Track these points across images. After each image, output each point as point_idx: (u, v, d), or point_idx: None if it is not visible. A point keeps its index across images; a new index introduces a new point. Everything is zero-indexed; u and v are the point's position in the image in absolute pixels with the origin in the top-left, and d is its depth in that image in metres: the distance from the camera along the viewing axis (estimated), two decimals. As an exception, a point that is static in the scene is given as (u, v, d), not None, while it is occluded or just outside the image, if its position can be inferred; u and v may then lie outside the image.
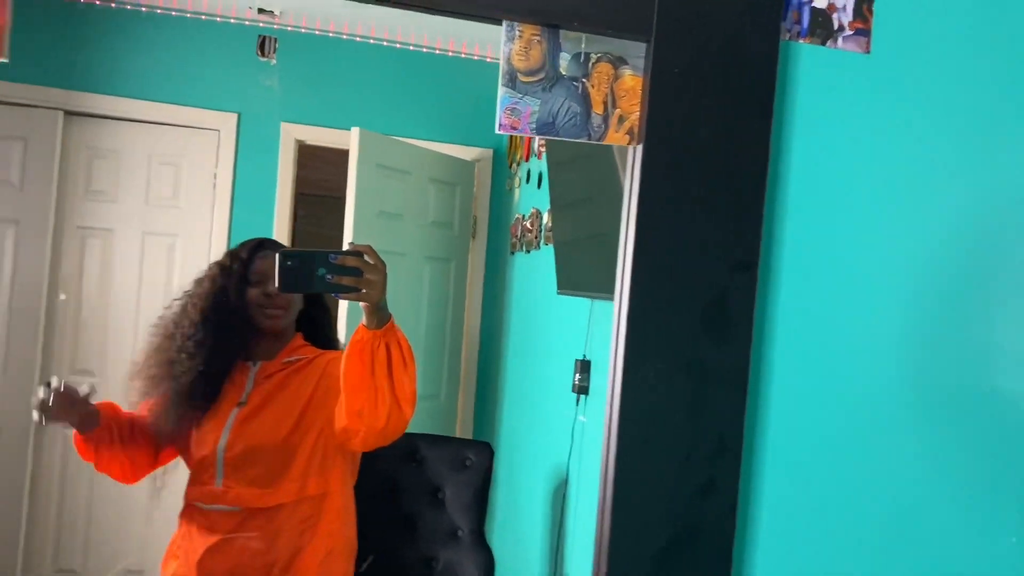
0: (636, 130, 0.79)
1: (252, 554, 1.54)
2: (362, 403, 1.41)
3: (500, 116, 0.78)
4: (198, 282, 1.66)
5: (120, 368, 3.21)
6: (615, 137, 0.79)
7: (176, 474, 1.73)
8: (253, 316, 1.61)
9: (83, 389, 1.50)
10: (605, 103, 0.78)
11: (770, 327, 0.83)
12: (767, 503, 0.83)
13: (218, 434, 1.56)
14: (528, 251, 3.02)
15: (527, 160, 3.16)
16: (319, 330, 1.74)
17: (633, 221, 0.79)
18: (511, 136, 3.42)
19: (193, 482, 1.60)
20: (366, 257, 1.31)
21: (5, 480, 3.11)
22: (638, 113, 0.78)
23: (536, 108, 0.78)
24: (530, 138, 3.12)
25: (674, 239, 0.79)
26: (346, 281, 1.29)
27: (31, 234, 3.15)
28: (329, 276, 1.27)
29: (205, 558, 1.55)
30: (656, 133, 0.77)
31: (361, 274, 1.30)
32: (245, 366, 1.63)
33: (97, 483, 3.21)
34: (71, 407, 1.47)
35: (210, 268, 1.66)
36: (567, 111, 0.77)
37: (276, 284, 1.28)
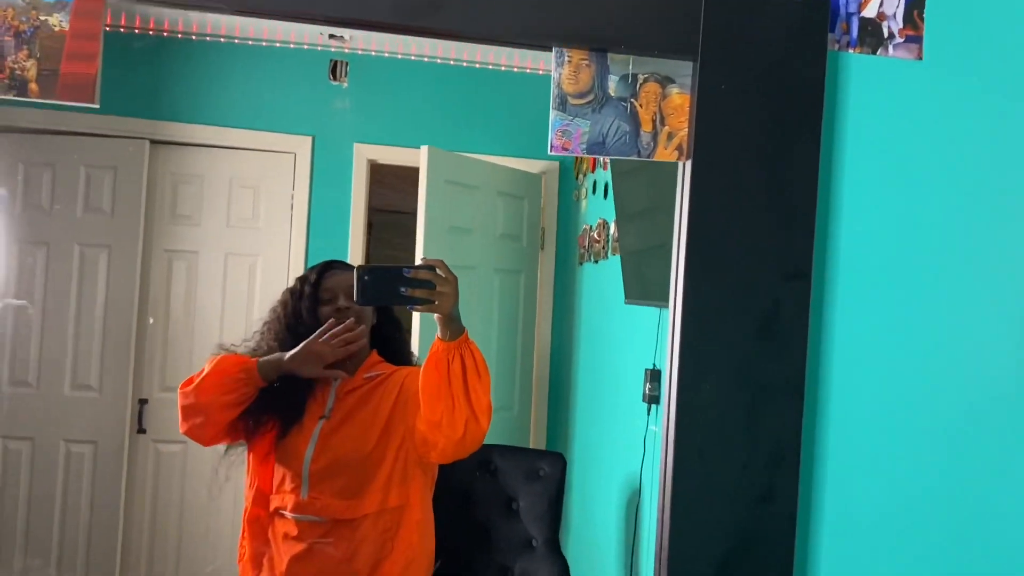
0: (685, 146, 0.81)
1: (336, 563, 1.60)
2: (440, 414, 1.47)
3: (552, 138, 0.81)
4: (273, 310, 1.73)
5: (206, 384, 3.36)
6: (664, 154, 0.81)
7: (241, 468, 1.80)
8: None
9: None
10: (654, 121, 0.80)
11: (828, 335, 0.83)
12: (828, 513, 0.83)
13: (304, 447, 1.63)
14: (596, 261, 3.04)
15: (593, 171, 3.18)
16: (393, 347, 1.80)
17: (684, 235, 0.81)
18: (577, 148, 3.45)
19: (278, 491, 1.67)
20: (438, 271, 1.38)
21: (103, 491, 3.28)
22: (686, 130, 0.80)
23: (587, 129, 0.80)
24: (596, 149, 3.14)
25: (725, 250, 0.80)
26: (419, 294, 1.36)
27: (122, 258, 3.32)
28: (404, 289, 1.36)
29: (291, 566, 1.61)
30: (704, 149, 0.79)
31: (434, 287, 1.36)
32: (327, 382, 1.69)
33: (187, 493, 3.36)
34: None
35: (283, 295, 1.74)
36: (617, 130, 0.79)
37: (355, 298, 1.36)
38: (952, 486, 0.83)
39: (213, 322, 3.41)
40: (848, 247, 0.83)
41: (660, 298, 2.16)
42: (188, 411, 1.73)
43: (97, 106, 0.78)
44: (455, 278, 1.41)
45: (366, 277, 1.35)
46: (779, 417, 0.78)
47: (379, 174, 3.66)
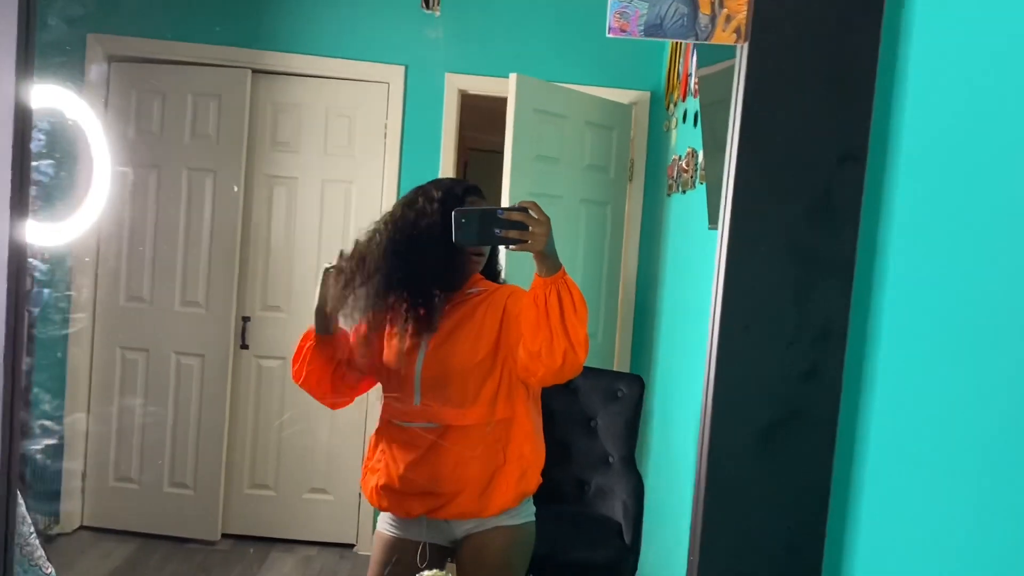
0: (743, 29, 0.82)
1: (450, 468, 1.69)
2: (540, 345, 1.57)
3: (610, 20, 0.83)
4: (409, 205, 1.72)
5: (305, 304, 3.53)
6: (722, 36, 0.82)
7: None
8: (460, 257, 1.72)
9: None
10: (712, 3, 0.81)
11: (886, 217, 0.83)
12: (880, 392, 0.84)
13: (415, 356, 1.71)
14: (684, 191, 3.01)
15: (683, 100, 3.13)
16: (492, 266, 1.85)
17: (739, 118, 0.81)
18: (668, 76, 3.39)
19: (391, 401, 1.77)
20: (531, 212, 1.47)
21: (209, 403, 3.51)
22: (745, 12, 0.81)
23: (644, 11, 0.82)
24: (687, 77, 3.09)
25: (779, 131, 0.81)
26: (512, 234, 1.48)
27: (225, 182, 3.49)
28: (498, 230, 1.48)
29: (407, 472, 1.71)
30: (763, 29, 0.79)
31: (526, 227, 1.45)
32: (434, 297, 1.75)
33: (287, 405, 3.57)
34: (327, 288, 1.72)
35: (423, 200, 1.72)
36: (675, 12, 0.80)
37: (453, 237, 1.49)
38: (1011, 370, 0.82)
39: (311, 245, 3.56)
40: (911, 130, 0.82)
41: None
42: (309, 392, 1.85)
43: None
44: (547, 219, 1.50)
45: (463, 219, 1.47)
46: (827, 296, 0.79)
47: (475, 112, 3.70)
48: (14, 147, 0.78)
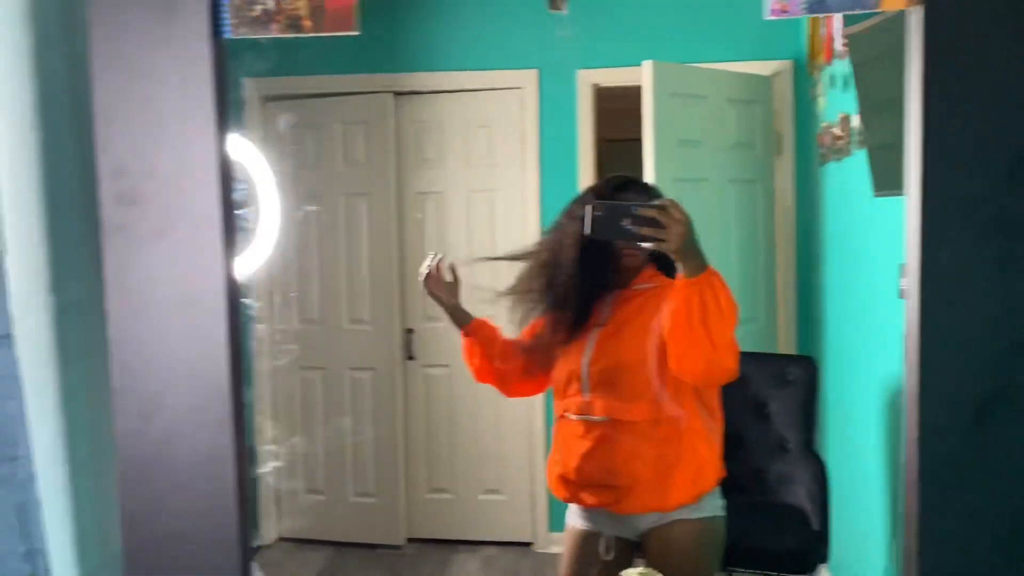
0: (915, -11, 0.77)
1: (622, 462, 1.70)
2: (680, 348, 1.55)
3: (770, 1, 0.81)
4: (569, 216, 1.76)
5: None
6: (893, 2, 0.78)
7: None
8: (615, 252, 1.73)
9: (447, 276, 1.96)
10: (878, -32, 0.77)
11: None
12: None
13: (582, 350, 1.74)
14: (840, 159, 2.88)
15: (829, 63, 2.99)
16: (668, 260, 1.80)
17: (920, 84, 0.77)
18: (810, 41, 3.25)
19: (562, 396, 1.79)
20: (669, 210, 1.45)
21: (382, 412, 3.68)
22: (916, -29, 0.76)
23: (806, -14, 0.79)
24: (830, 40, 2.95)
25: (972, 89, 0.76)
26: (646, 231, 1.45)
27: (379, 203, 3.65)
28: (631, 226, 1.45)
29: (580, 464, 1.73)
30: (938, -13, 0.75)
31: (661, 226, 1.43)
32: (604, 293, 1.77)
33: (454, 411, 3.68)
34: (439, 284, 1.94)
35: (577, 202, 1.76)
36: (839, -16, 0.77)
37: (586, 230, 1.48)
38: None
39: (461, 255, 3.65)
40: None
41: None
42: (488, 384, 1.95)
43: (357, 32, 0.89)
44: (686, 217, 1.46)
45: (599, 213, 1.46)
46: (1037, 263, 0.74)
47: (609, 103, 3.68)
48: (222, 190, 0.85)
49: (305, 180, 3.65)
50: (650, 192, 1.79)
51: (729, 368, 1.56)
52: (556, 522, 3.63)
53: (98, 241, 0.85)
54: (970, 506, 0.80)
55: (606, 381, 1.71)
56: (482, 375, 1.93)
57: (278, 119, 3.67)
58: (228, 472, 0.87)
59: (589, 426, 1.73)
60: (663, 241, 1.45)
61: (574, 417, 1.76)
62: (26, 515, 0.88)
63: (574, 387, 1.76)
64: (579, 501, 1.79)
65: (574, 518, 1.86)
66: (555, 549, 3.60)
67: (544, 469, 3.59)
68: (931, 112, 0.77)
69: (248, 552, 0.88)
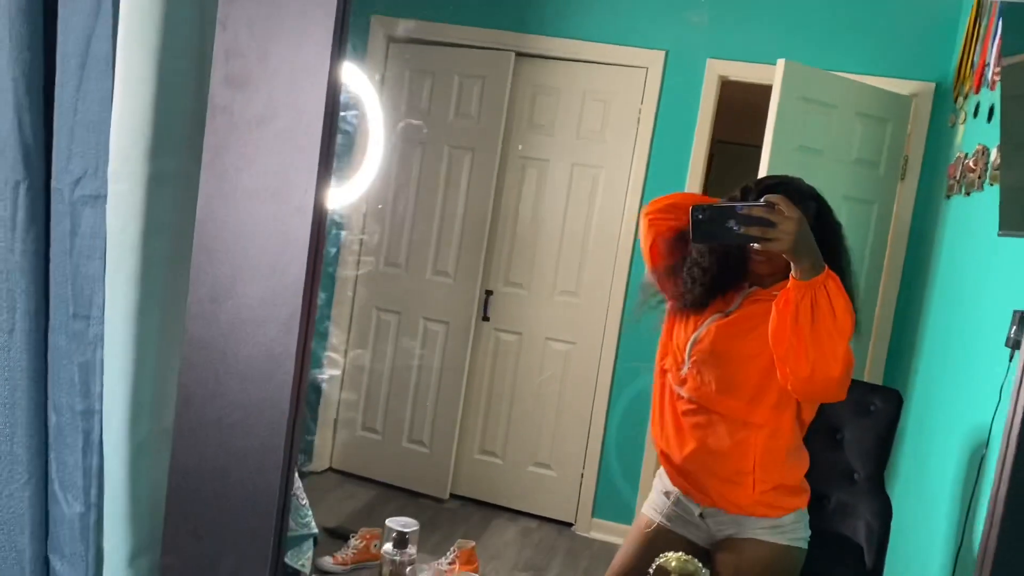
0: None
1: (699, 447, 1.68)
2: (784, 351, 1.46)
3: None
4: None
5: (545, 283, 3.62)
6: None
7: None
8: (746, 251, 1.68)
9: None
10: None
11: None
12: None
13: (696, 328, 1.71)
14: (968, 193, 2.71)
15: (977, 92, 2.81)
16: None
17: None
18: (959, 66, 3.06)
19: (671, 368, 1.77)
20: (779, 206, 1.35)
21: (449, 368, 3.70)
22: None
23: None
24: (983, 67, 2.77)
25: None
26: (753, 231, 1.36)
27: (482, 160, 3.64)
28: (738, 227, 1.36)
29: (669, 434, 1.74)
30: None
31: (770, 224, 1.34)
32: (742, 286, 1.73)
33: (519, 379, 3.67)
34: None
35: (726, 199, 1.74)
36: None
37: (691, 235, 1.41)
38: None
39: (555, 227, 3.62)
40: None
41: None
42: (659, 200, 1.89)
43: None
44: (798, 215, 1.37)
45: (700, 215, 1.38)
46: None
47: (728, 103, 3.56)
48: (329, 90, 0.84)
49: (414, 126, 3.67)
50: (804, 190, 1.70)
51: (836, 378, 1.45)
52: (601, 509, 3.60)
53: (202, 120, 0.85)
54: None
55: (704, 363, 1.67)
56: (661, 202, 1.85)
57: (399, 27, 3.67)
58: (288, 370, 0.86)
59: (684, 401, 1.71)
60: (771, 240, 1.36)
61: (674, 387, 1.74)
62: (89, 375, 0.90)
63: (679, 360, 1.73)
64: (666, 465, 1.77)
65: (649, 508, 1.83)
66: (595, 534, 3.57)
67: (601, 456, 3.57)
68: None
69: (295, 453, 0.88)
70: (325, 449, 3.83)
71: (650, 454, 3.52)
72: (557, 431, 3.65)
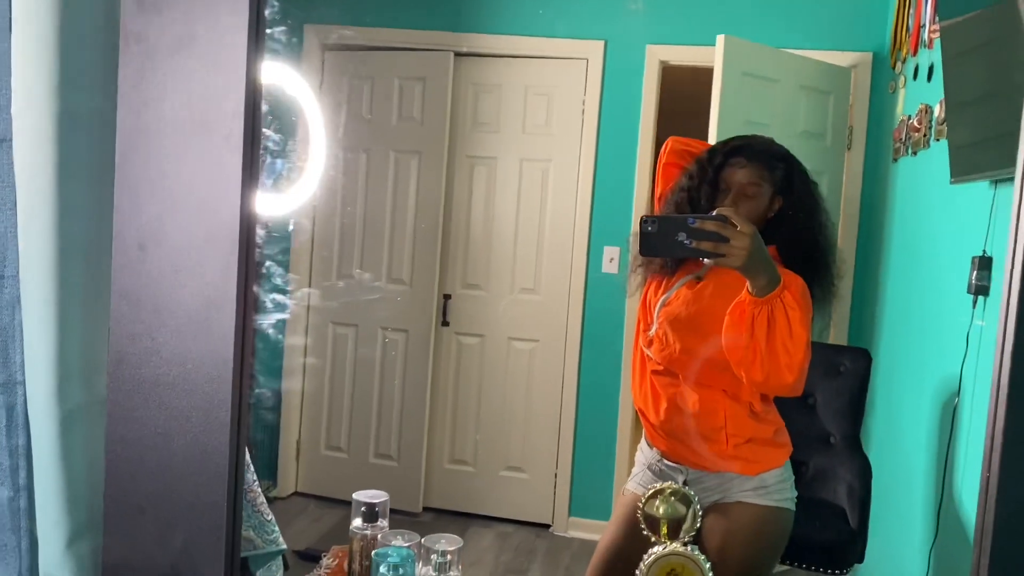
0: None
1: (671, 408, 1.63)
2: (738, 357, 1.43)
3: None
4: (679, 183, 1.70)
5: (503, 282, 3.56)
6: None
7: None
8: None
9: None
10: None
11: None
12: None
13: (666, 291, 1.66)
14: (915, 153, 2.73)
15: (915, 54, 2.84)
16: (796, 250, 1.62)
17: None
18: (894, 33, 3.10)
19: (646, 329, 1.72)
20: (731, 220, 1.30)
21: (412, 375, 3.60)
22: None
23: None
24: (918, 29, 2.80)
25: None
26: (705, 246, 1.30)
27: (430, 163, 3.57)
28: (688, 241, 1.29)
29: (645, 396, 1.69)
30: None
31: (723, 239, 1.29)
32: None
33: (484, 380, 3.59)
34: None
35: (690, 166, 1.67)
36: None
37: (639, 248, 1.33)
38: None
39: (509, 224, 3.56)
40: None
41: (997, 165, 1.88)
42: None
43: None
44: (751, 230, 1.31)
45: (650, 227, 1.30)
46: None
47: (674, 85, 3.56)
48: (244, 131, 0.77)
49: (357, 132, 3.60)
50: (765, 159, 1.63)
51: (790, 383, 1.41)
52: (577, 507, 3.52)
53: (115, 48, 0.77)
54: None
55: (673, 327, 1.62)
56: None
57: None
58: (229, 316, 0.78)
59: (653, 364, 1.66)
60: (724, 256, 1.30)
61: (644, 349, 1.69)
62: (7, 342, 0.81)
63: (648, 322, 1.69)
64: (645, 428, 1.73)
65: (633, 483, 1.78)
66: (574, 533, 3.49)
67: (573, 453, 3.50)
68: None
69: (244, 409, 0.80)
70: (289, 473, 3.70)
71: (623, 447, 3.46)
72: (527, 432, 3.58)
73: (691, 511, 1.04)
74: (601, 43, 3.47)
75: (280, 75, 2.47)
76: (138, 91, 0.78)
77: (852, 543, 2.09)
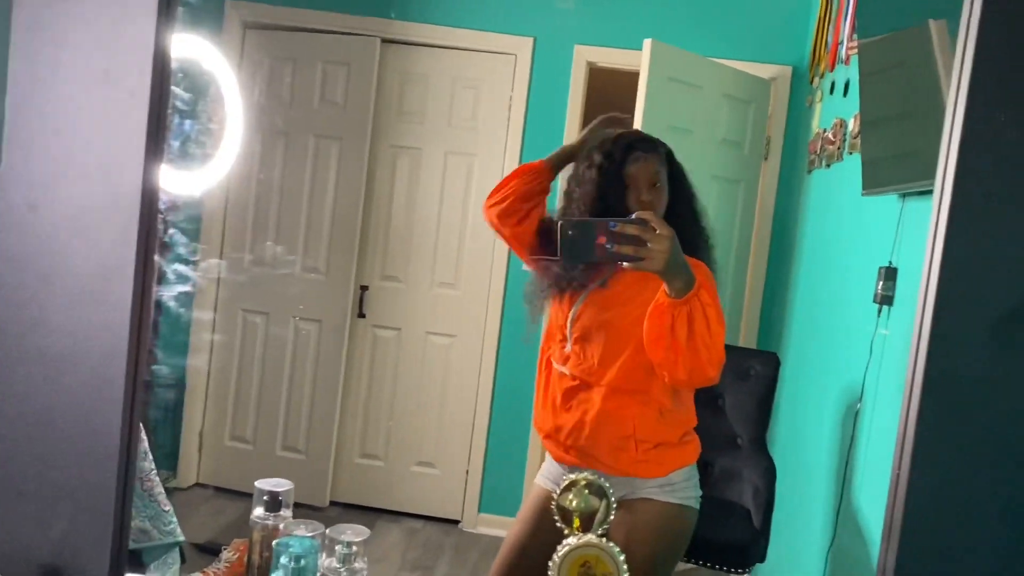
0: None
1: (587, 418, 1.62)
2: (660, 358, 1.45)
3: None
4: (575, 179, 1.69)
5: (422, 275, 3.51)
6: None
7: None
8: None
9: None
10: None
11: None
12: None
13: (573, 303, 1.65)
14: (828, 165, 2.81)
15: (832, 70, 2.93)
16: (687, 235, 1.59)
17: (965, 90, 0.67)
18: (813, 49, 3.19)
19: (551, 341, 1.72)
20: (651, 223, 1.29)
21: (324, 367, 3.52)
22: None
23: None
24: (836, 46, 2.89)
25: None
26: (626, 250, 1.29)
27: (351, 150, 3.50)
28: (610, 245, 1.28)
29: (556, 413, 1.67)
30: None
31: (642, 243, 1.29)
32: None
33: (400, 377, 3.54)
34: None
35: (588, 165, 1.67)
36: None
37: (559, 254, 1.31)
38: None
39: (431, 217, 3.52)
40: None
41: (905, 179, 1.95)
42: (494, 193, 1.84)
43: None
44: (670, 232, 1.31)
45: (571, 232, 1.28)
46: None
47: (601, 87, 3.58)
48: (152, 87, 0.71)
49: (276, 114, 3.49)
50: (658, 151, 1.66)
51: (712, 378, 1.46)
52: (487, 504, 3.51)
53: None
54: (975, 432, 0.70)
55: (585, 338, 1.63)
56: (496, 196, 1.82)
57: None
58: (126, 289, 0.73)
59: (567, 379, 1.66)
60: (643, 260, 1.29)
61: (557, 367, 1.68)
62: None
63: (560, 337, 1.68)
64: (553, 449, 1.71)
65: (542, 478, 1.77)
66: (483, 529, 3.47)
67: (486, 450, 3.48)
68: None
69: (139, 387, 0.74)
70: (191, 463, 3.56)
71: (535, 445, 3.46)
72: (440, 428, 3.54)
73: (604, 503, 1.03)
74: (530, 40, 3.46)
75: (197, 48, 2.36)
76: (34, 37, 0.72)
77: (755, 543, 2.14)
